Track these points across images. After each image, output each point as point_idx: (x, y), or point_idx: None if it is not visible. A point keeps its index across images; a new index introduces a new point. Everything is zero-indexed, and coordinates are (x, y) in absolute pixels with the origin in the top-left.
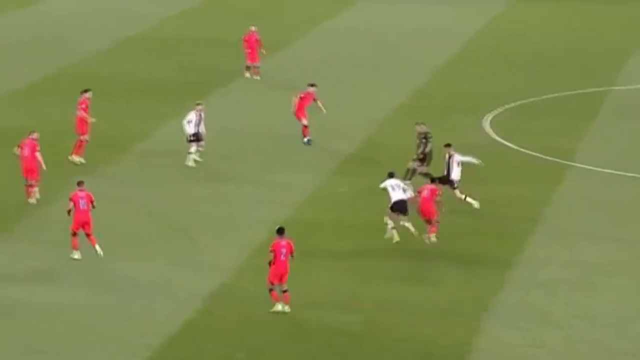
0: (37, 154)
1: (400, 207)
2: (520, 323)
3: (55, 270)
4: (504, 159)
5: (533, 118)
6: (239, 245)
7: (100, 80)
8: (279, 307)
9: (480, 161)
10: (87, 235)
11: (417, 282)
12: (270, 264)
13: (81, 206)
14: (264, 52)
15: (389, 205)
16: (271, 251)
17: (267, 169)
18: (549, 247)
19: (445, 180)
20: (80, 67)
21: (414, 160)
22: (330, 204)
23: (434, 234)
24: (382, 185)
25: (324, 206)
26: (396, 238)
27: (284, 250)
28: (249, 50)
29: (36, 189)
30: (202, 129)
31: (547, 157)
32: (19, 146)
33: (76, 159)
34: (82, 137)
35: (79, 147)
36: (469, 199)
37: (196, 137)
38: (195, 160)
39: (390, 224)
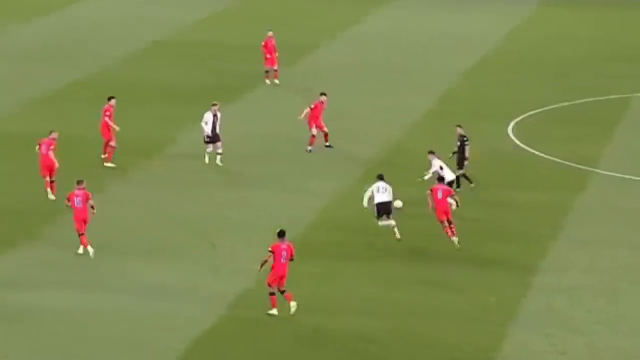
0: (51, 152)
1: (384, 209)
2: (544, 329)
3: (80, 275)
4: (527, 165)
5: (557, 124)
6: (262, 251)
7: (127, 86)
8: (274, 311)
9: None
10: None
11: (441, 287)
12: (263, 263)
13: (76, 204)
14: (277, 55)
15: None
16: (270, 252)
17: (293, 175)
18: (571, 253)
19: (450, 183)
20: (107, 72)
21: (456, 168)
22: (354, 209)
23: (456, 237)
24: (369, 190)
25: (348, 212)
26: (397, 235)
27: (284, 253)
28: (268, 55)
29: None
30: (217, 131)
31: (571, 164)
32: (38, 145)
33: (108, 164)
34: (110, 143)
35: (110, 153)
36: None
37: (211, 139)
38: (217, 165)
39: (392, 223)
